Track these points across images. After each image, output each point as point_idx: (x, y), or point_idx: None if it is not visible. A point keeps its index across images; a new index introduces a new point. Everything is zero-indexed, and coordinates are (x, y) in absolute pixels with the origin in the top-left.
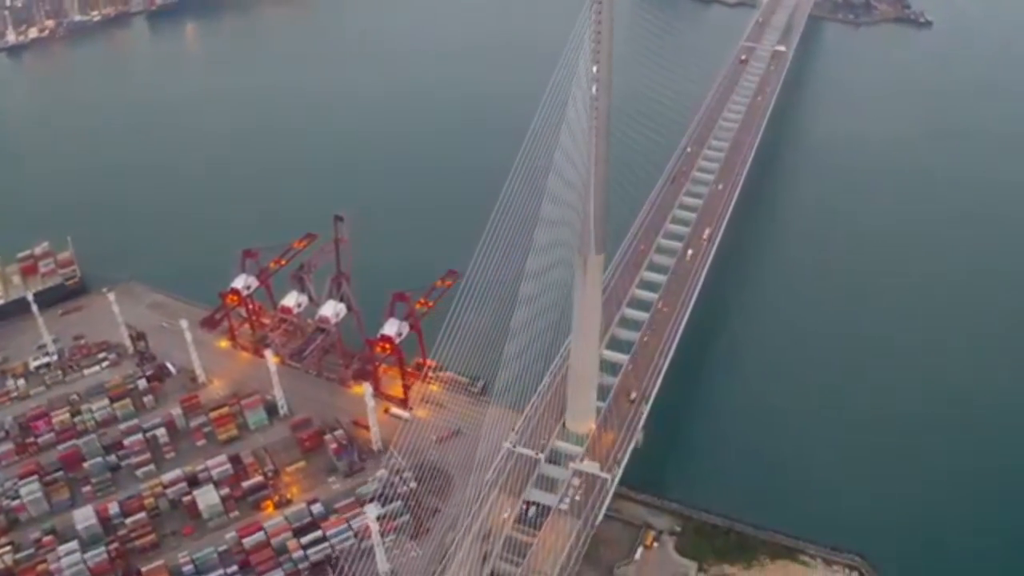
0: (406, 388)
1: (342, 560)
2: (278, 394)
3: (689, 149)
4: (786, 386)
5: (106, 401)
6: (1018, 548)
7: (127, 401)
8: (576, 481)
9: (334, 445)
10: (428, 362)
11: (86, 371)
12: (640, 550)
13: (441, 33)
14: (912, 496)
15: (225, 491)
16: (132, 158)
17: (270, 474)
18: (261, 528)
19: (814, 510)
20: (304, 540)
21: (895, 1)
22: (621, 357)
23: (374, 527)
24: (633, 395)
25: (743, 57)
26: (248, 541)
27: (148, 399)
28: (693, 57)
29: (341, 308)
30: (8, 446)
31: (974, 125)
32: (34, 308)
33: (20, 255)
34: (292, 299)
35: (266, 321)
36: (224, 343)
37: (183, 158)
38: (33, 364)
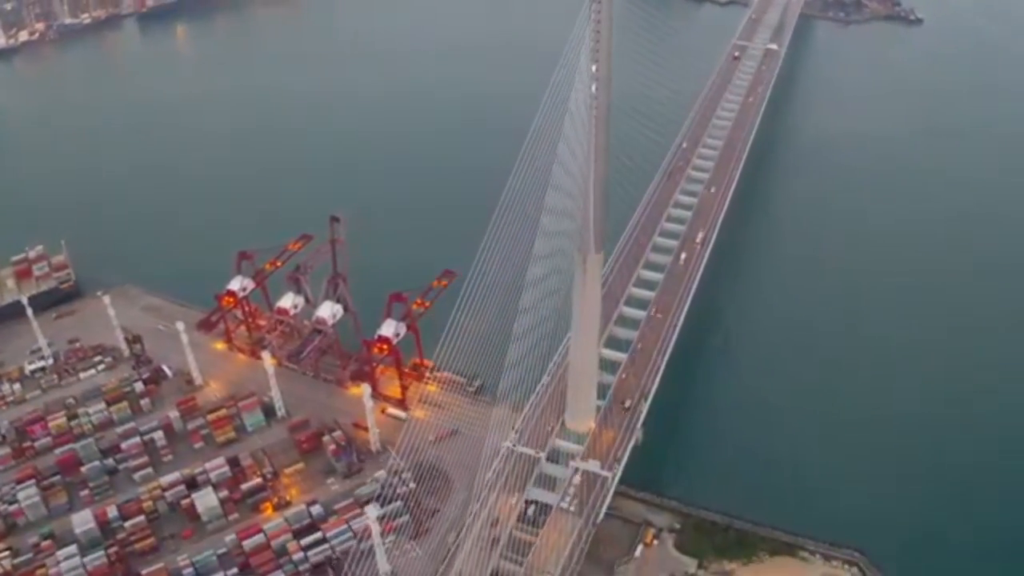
0: (404, 388)
1: (346, 562)
2: (275, 396)
3: (684, 144)
4: (784, 383)
5: (102, 404)
6: (1016, 542)
7: (124, 404)
8: (577, 479)
9: (332, 446)
10: (425, 362)
11: (82, 375)
12: (640, 548)
13: (433, 32)
14: (910, 492)
15: (224, 493)
16: (125, 160)
17: (269, 476)
18: (261, 530)
19: (813, 506)
20: (304, 542)
21: None
22: (619, 356)
23: (375, 528)
24: (627, 403)
25: (736, 54)
26: (248, 543)
27: (145, 402)
28: (686, 55)
29: (338, 309)
30: (5, 450)
31: (966, 122)
32: (29, 312)
33: (14, 259)
34: (288, 300)
35: (262, 323)
36: (220, 345)
37: (176, 159)
38: (28, 368)
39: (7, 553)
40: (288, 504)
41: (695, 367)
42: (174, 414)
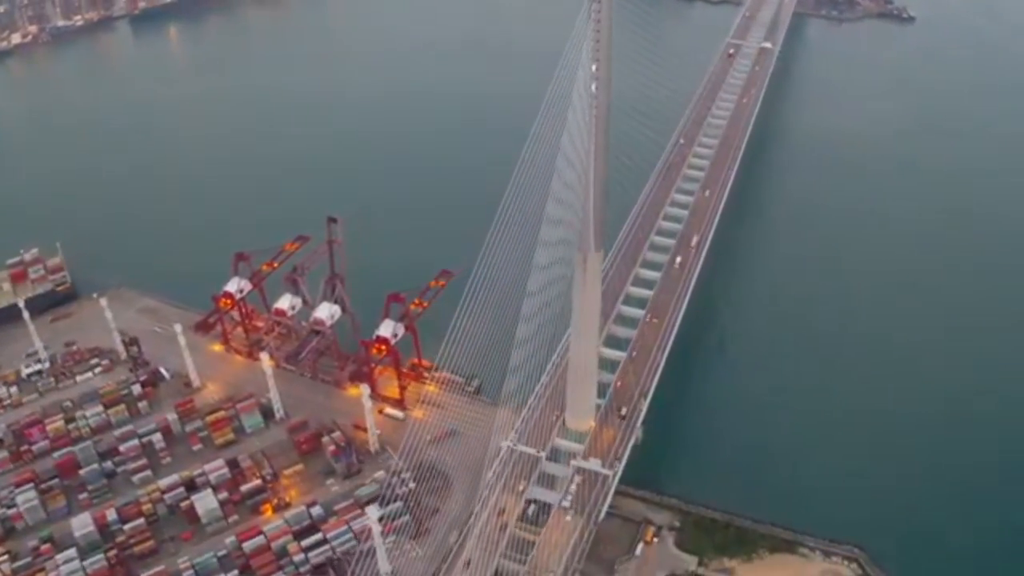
0: (402, 389)
1: (350, 564)
2: (274, 397)
3: (682, 140)
4: (783, 381)
5: (100, 407)
6: (1014, 539)
7: (121, 407)
8: (578, 478)
9: (332, 447)
10: (424, 362)
11: (78, 377)
12: (640, 546)
13: (425, 32)
14: (910, 488)
15: (223, 495)
16: (120, 162)
17: (268, 477)
18: (261, 532)
19: (812, 503)
20: (305, 543)
21: None
22: (619, 355)
23: (375, 528)
24: (624, 411)
25: (731, 51)
26: (248, 545)
27: (142, 404)
28: (681, 55)
29: (336, 310)
30: (3, 454)
31: (959, 120)
32: (25, 315)
33: (9, 262)
34: (286, 302)
35: (260, 324)
36: (218, 347)
37: (172, 161)
38: (25, 371)
39: (6, 557)
40: (288, 505)
41: (694, 365)
42: (172, 416)
